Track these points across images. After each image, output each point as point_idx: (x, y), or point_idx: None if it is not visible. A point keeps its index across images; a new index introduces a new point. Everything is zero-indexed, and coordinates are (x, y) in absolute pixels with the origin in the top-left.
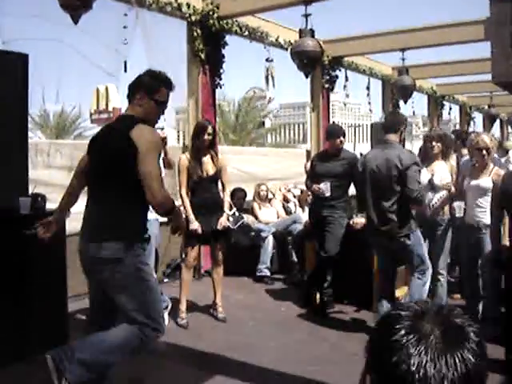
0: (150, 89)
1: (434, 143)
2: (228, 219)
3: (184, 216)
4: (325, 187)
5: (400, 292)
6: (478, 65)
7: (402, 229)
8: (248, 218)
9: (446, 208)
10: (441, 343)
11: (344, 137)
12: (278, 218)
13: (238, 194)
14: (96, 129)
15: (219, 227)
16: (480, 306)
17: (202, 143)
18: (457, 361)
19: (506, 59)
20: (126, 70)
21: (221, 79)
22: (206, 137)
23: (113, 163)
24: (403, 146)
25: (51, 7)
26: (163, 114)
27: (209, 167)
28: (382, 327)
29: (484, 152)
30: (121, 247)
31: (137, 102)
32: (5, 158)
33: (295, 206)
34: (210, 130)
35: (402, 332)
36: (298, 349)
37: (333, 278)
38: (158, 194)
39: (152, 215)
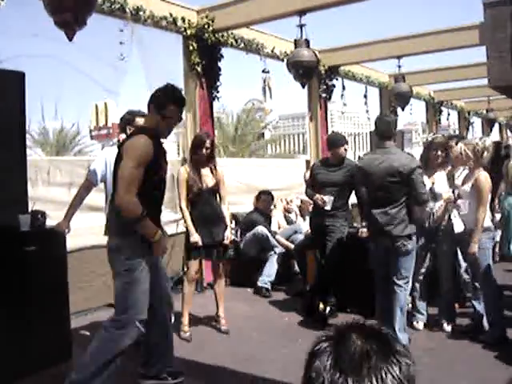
0: (159, 104)
1: (439, 152)
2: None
3: (185, 229)
4: (328, 200)
5: None
6: (474, 70)
7: (405, 230)
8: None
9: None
10: (359, 354)
11: (347, 144)
12: (278, 228)
13: (263, 197)
14: (96, 145)
15: (226, 241)
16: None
17: (200, 156)
18: (383, 376)
19: (502, 63)
20: (121, 85)
21: (218, 92)
22: (204, 150)
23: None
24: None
25: (49, 25)
26: (171, 128)
27: (208, 179)
28: (309, 357)
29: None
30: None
31: (148, 115)
32: (4, 175)
33: (296, 215)
34: (208, 143)
35: (323, 342)
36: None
37: (335, 287)
38: (120, 196)
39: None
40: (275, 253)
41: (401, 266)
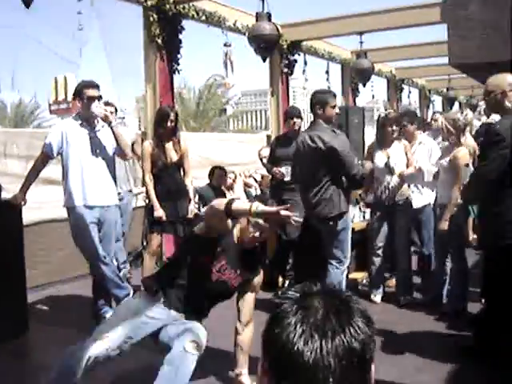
0: None
1: (394, 127)
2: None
3: (144, 203)
4: (285, 171)
5: (358, 275)
6: (436, 48)
7: (332, 211)
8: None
9: (405, 189)
10: (321, 318)
11: (299, 118)
12: None
13: (216, 172)
14: (55, 119)
15: (190, 215)
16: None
17: (165, 130)
18: (337, 335)
19: (462, 41)
20: (80, 56)
21: (178, 64)
22: (168, 124)
23: None
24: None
25: None
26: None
27: (172, 154)
28: (274, 309)
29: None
30: None
31: None
32: None
33: (256, 190)
34: (172, 116)
35: (285, 306)
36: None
37: (294, 261)
38: None
39: (112, 201)
40: None
41: (331, 246)
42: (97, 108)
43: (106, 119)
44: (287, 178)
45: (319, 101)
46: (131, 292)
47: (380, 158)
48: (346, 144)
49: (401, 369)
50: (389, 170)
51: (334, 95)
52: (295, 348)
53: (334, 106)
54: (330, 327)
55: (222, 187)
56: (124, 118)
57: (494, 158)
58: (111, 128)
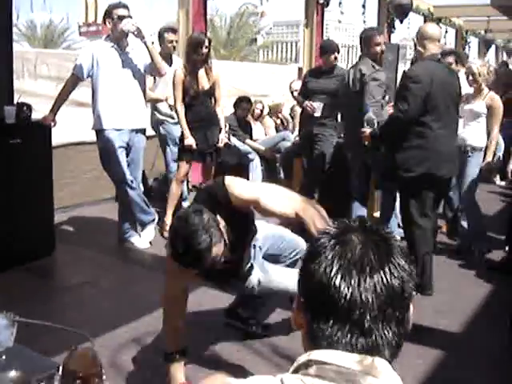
0: None
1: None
2: None
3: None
4: (317, 106)
5: None
6: None
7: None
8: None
9: None
10: (359, 253)
11: (338, 53)
12: (265, 134)
13: (243, 105)
14: (85, 41)
15: (220, 144)
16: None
17: (199, 57)
18: (375, 271)
19: None
20: None
21: None
22: (203, 50)
23: None
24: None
25: None
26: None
27: (204, 81)
28: (311, 243)
29: (470, 77)
30: None
31: None
32: None
33: (287, 122)
34: (206, 43)
35: (323, 240)
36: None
37: (320, 196)
38: None
39: (142, 124)
40: (250, 159)
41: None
42: (128, 23)
43: (138, 34)
44: (317, 114)
45: (365, 38)
46: (156, 217)
47: None
48: (382, 79)
49: (419, 310)
50: None
51: (380, 32)
52: (332, 283)
53: (377, 44)
54: (368, 263)
55: (247, 118)
56: (153, 42)
57: (414, 98)
58: (144, 43)
